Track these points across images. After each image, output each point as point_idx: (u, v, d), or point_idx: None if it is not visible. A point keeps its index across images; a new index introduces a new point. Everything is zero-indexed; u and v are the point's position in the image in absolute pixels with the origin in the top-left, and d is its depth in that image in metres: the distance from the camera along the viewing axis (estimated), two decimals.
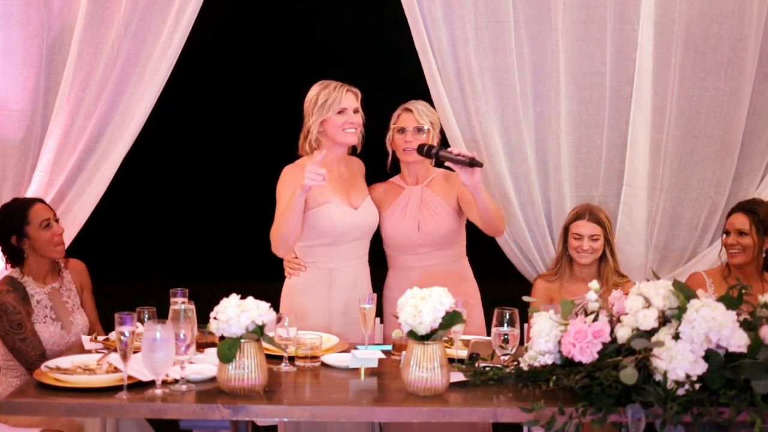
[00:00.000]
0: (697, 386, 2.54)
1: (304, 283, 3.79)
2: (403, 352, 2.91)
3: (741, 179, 4.45)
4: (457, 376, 2.89)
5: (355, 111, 3.74)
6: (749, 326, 2.65)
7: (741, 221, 3.93)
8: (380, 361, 3.08)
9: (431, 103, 4.16)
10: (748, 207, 3.99)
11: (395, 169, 4.07)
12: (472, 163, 3.44)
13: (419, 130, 3.86)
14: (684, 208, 4.45)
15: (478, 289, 4.03)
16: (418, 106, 3.91)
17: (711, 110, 4.37)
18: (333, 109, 3.67)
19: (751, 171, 4.44)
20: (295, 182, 3.54)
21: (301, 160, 3.80)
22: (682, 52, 4.33)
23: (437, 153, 3.58)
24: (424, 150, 3.66)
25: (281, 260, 3.89)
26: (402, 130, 3.88)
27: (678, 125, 4.38)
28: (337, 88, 3.70)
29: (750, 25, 4.30)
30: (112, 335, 3.18)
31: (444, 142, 4.06)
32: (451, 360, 2.93)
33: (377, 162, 4.02)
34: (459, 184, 3.64)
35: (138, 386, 2.73)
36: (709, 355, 2.55)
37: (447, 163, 3.55)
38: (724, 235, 4.00)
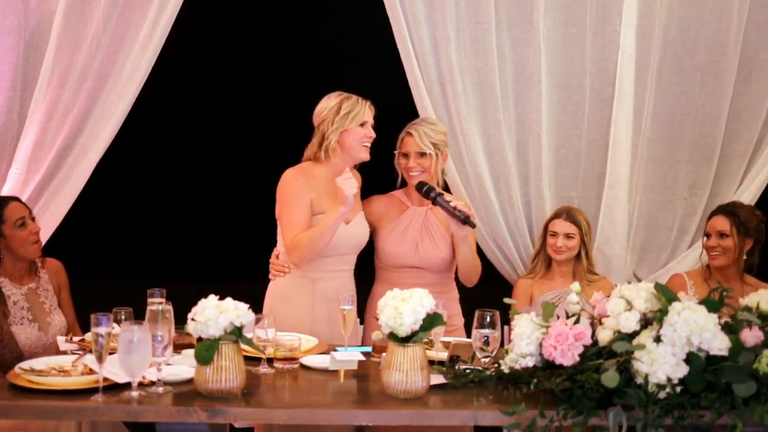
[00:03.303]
0: (678, 389, 2.53)
1: (287, 290, 3.75)
2: (383, 354, 2.88)
3: (721, 182, 4.48)
4: (438, 379, 2.87)
5: (372, 126, 3.75)
6: (730, 329, 2.65)
7: (722, 223, 3.95)
8: (360, 363, 3.06)
9: (409, 105, 4.15)
10: (729, 209, 4.01)
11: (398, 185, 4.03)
12: (466, 221, 3.52)
13: (421, 154, 3.82)
14: (659, 209, 4.48)
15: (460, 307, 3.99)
16: (421, 128, 3.84)
17: (686, 113, 4.40)
18: (356, 120, 3.67)
19: (731, 173, 4.48)
20: (303, 188, 3.63)
21: (304, 165, 3.77)
22: (660, 55, 4.35)
23: (435, 198, 3.60)
24: (423, 190, 3.66)
25: (262, 259, 3.85)
26: (405, 155, 3.86)
27: (654, 128, 4.41)
28: (360, 101, 3.71)
29: (729, 29, 4.33)
30: (88, 336, 3.14)
31: None
32: (431, 362, 2.91)
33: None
34: None
35: (114, 388, 2.69)
36: (690, 359, 2.54)
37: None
38: (705, 238, 4.02)
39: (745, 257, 3.97)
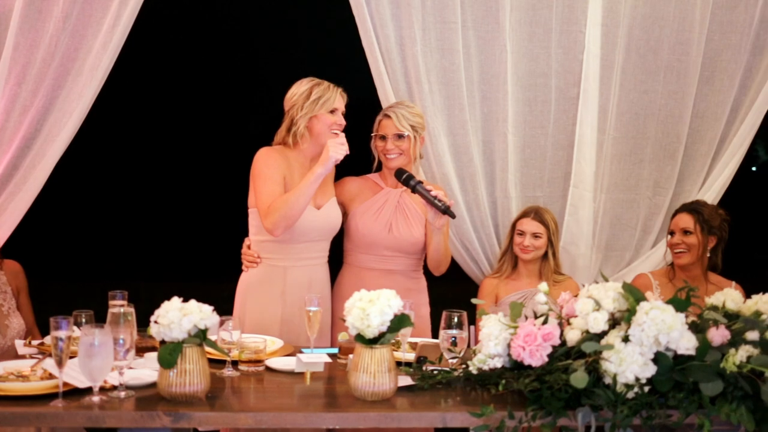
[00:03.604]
0: (646, 389, 2.53)
1: (258, 280, 3.72)
2: (350, 356, 2.85)
3: (684, 181, 4.52)
4: (405, 380, 2.85)
5: (343, 113, 3.73)
6: (697, 328, 2.67)
7: (685, 221, 3.98)
8: (326, 364, 3.03)
9: (377, 96, 4.11)
10: (693, 207, 4.05)
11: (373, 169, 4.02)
12: (446, 211, 3.50)
13: (399, 136, 3.81)
14: (623, 208, 4.51)
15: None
16: (399, 110, 3.85)
17: (649, 112, 4.44)
18: (326, 107, 3.65)
19: (694, 172, 4.51)
20: (277, 163, 3.60)
21: (277, 147, 3.74)
22: (623, 54, 4.38)
23: (415, 185, 3.57)
24: (402, 177, 3.63)
25: (226, 260, 3.81)
26: (383, 137, 3.84)
27: (618, 126, 4.43)
28: (331, 87, 3.69)
29: (691, 29, 4.36)
30: (48, 340, 3.07)
31: None
32: (398, 363, 2.88)
33: None
34: None
35: (74, 393, 2.63)
36: (658, 358, 2.55)
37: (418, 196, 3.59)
38: (669, 236, 4.05)
39: (708, 255, 4.00)
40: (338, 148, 3.47)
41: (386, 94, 4.25)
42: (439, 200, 3.51)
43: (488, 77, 4.35)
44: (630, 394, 2.51)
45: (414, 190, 3.58)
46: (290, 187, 3.61)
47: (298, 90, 3.69)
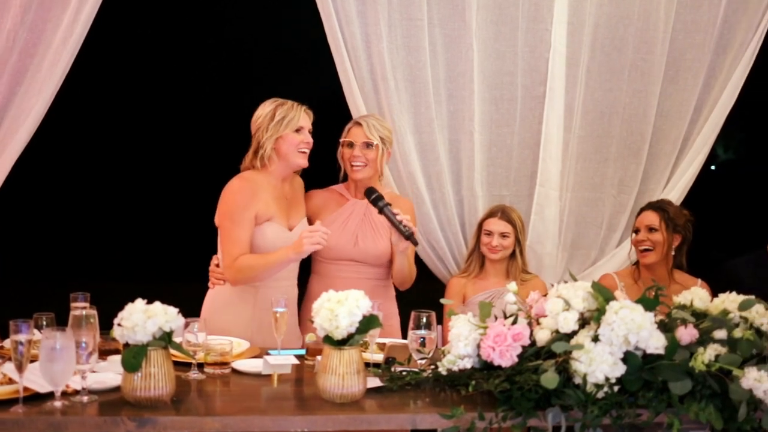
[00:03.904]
0: (615, 389, 2.53)
1: (227, 299, 3.64)
2: (318, 358, 2.82)
3: (648, 179, 4.55)
4: (374, 381, 2.82)
5: (310, 131, 3.67)
6: (665, 328, 2.67)
7: (650, 218, 4.00)
8: (293, 366, 2.99)
9: (340, 104, 4.08)
10: (658, 205, 4.08)
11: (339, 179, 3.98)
12: (409, 237, 3.50)
13: (368, 145, 3.77)
14: (588, 206, 4.53)
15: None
16: (370, 120, 3.83)
17: (614, 111, 4.46)
18: (291, 126, 3.59)
19: (658, 171, 4.55)
20: (247, 202, 3.52)
21: (247, 174, 3.65)
22: (589, 53, 4.40)
23: (382, 208, 3.55)
24: (372, 197, 3.59)
25: (192, 261, 3.74)
26: (351, 145, 3.80)
27: (583, 125, 4.45)
28: (295, 106, 3.63)
29: (656, 28, 4.39)
30: (7, 343, 3.00)
31: None
32: (366, 364, 2.85)
33: None
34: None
35: (35, 398, 2.57)
36: (627, 358, 2.55)
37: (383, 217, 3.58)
38: (634, 234, 4.07)
39: (673, 253, 4.02)
40: (312, 238, 3.38)
41: (352, 92, 4.22)
42: (405, 225, 3.50)
43: (454, 75, 4.34)
44: (600, 394, 2.52)
45: (381, 212, 3.56)
46: (264, 215, 3.55)
47: (262, 112, 3.63)
